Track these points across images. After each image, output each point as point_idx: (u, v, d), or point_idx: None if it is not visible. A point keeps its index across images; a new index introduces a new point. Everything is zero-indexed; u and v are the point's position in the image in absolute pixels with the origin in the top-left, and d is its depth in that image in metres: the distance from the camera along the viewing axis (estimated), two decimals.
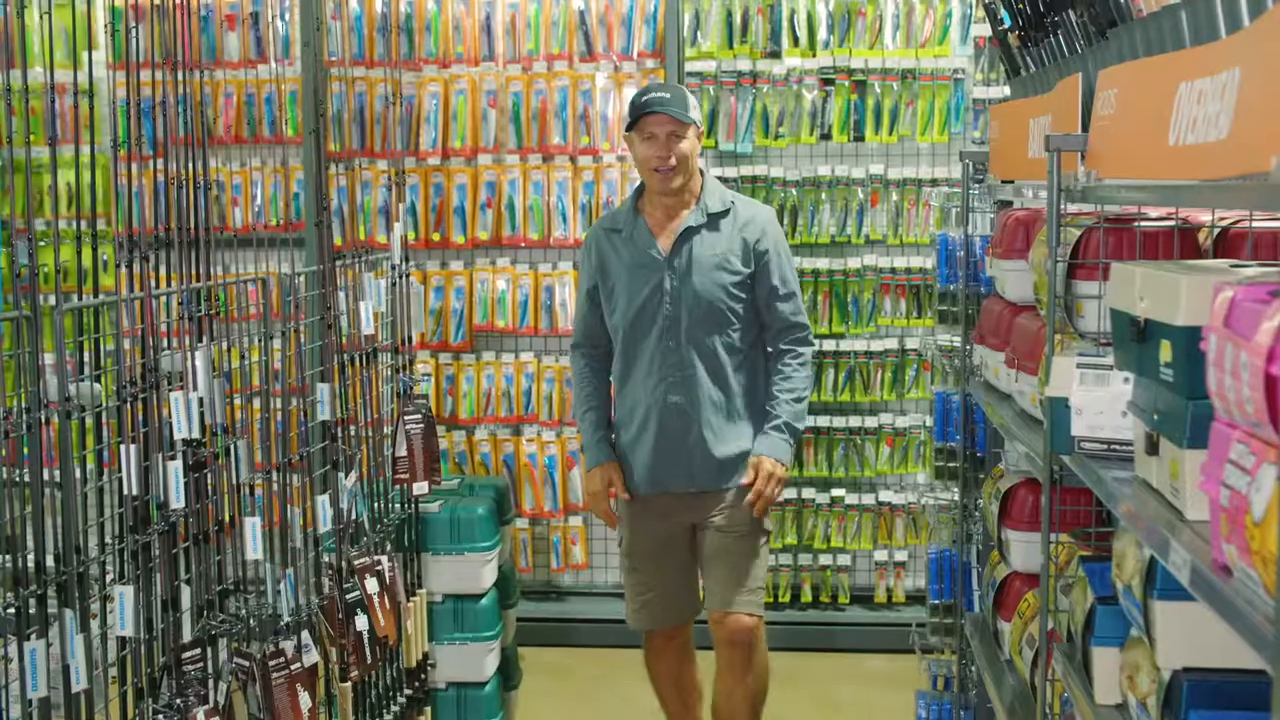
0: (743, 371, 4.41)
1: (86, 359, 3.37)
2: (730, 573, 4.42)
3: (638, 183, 4.52)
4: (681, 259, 4.34)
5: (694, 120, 4.28)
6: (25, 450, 3.01)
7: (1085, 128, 3.00)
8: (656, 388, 4.38)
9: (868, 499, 6.48)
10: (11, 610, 2.90)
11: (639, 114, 4.27)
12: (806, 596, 6.50)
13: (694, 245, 4.35)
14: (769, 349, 4.47)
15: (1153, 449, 2.40)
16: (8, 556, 2.96)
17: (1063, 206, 3.10)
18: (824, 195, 6.37)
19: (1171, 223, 3.13)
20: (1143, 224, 3.15)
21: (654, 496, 4.46)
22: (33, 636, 2.92)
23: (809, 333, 4.48)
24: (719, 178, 6.28)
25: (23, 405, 2.98)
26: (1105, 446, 2.81)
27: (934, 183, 6.35)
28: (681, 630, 4.64)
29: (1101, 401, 2.82)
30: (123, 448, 3.26)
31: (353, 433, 4.46)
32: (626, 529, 4.55)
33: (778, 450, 4.37)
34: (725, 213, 4.38)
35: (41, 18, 3.22)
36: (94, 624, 3.19)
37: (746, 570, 4.43)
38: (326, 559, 4.20)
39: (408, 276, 4.90)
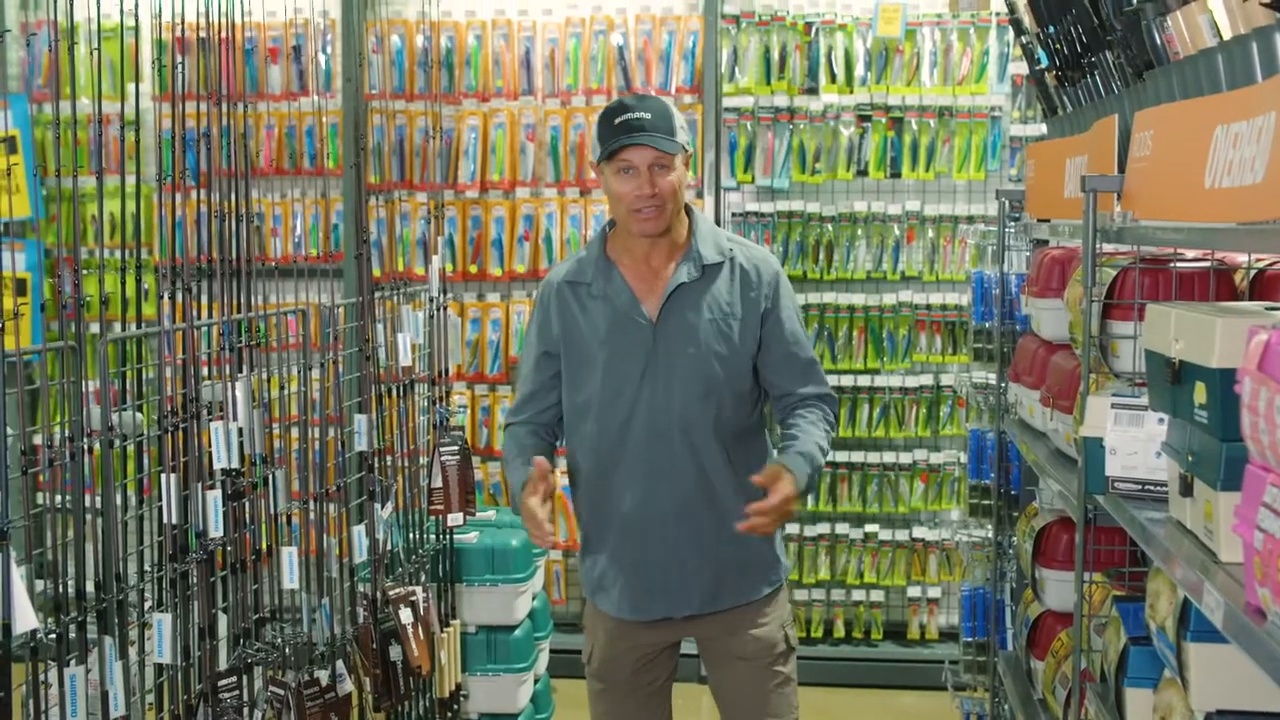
0: (750, 460, 3.51)
1: (128, 388, 3.41)
2: (764, 712, 3.63)
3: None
4: (672, 326, 3.44)
5: (682, 145, 3.39)
6: (68, 477, 3.04)
7: (1121, 169, 3.00)
8: (640, 489, 3.46)
9: (901, 535, 6.47)
10: (52, 636, 2.93)
11: (613, 146, 3.36)
12: (839, 632, 6.49)
13: (687, 308, 3.44)
14: (780, 419, 3.59)
15: (1187, 490, 2.40)
16: (49, 582, 3.00)
17: (1098, 247, 3.11)
18: (860, 231, 6.39)
19: (1207, 264, 3.14)
20: (1178, 265, 3.16)
21: (639, 622, 3.58)
22: (72, 662, 2.96)
23: (836, 405, 3.63)
24: (754, 214, 6.33)
25: (66, 433, 3.02)
26: (1139, 487, 2.82)
27: (970, 220, 6.36)
28: None
29: (1136, 442, 2.82)
30: (163, 476, 3.30)
31: (389, 463, 4.49)
32: (599, 645, 3.66)
33: (803, 474, 3.37)
34: (722, 263, 3.49)
35: (91, 53, 3.26)
36: (132, 651, 3.23)
37: (784, 704, 3.65)
38: (362, 589, 4.22)
39: (445, 308, 4.93)
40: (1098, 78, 3.46)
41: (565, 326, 3.51)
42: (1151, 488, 2.79)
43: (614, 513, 3.50)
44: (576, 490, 3.61)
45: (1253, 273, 3.16)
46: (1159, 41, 2.77)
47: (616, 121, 3.36)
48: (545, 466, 3.32)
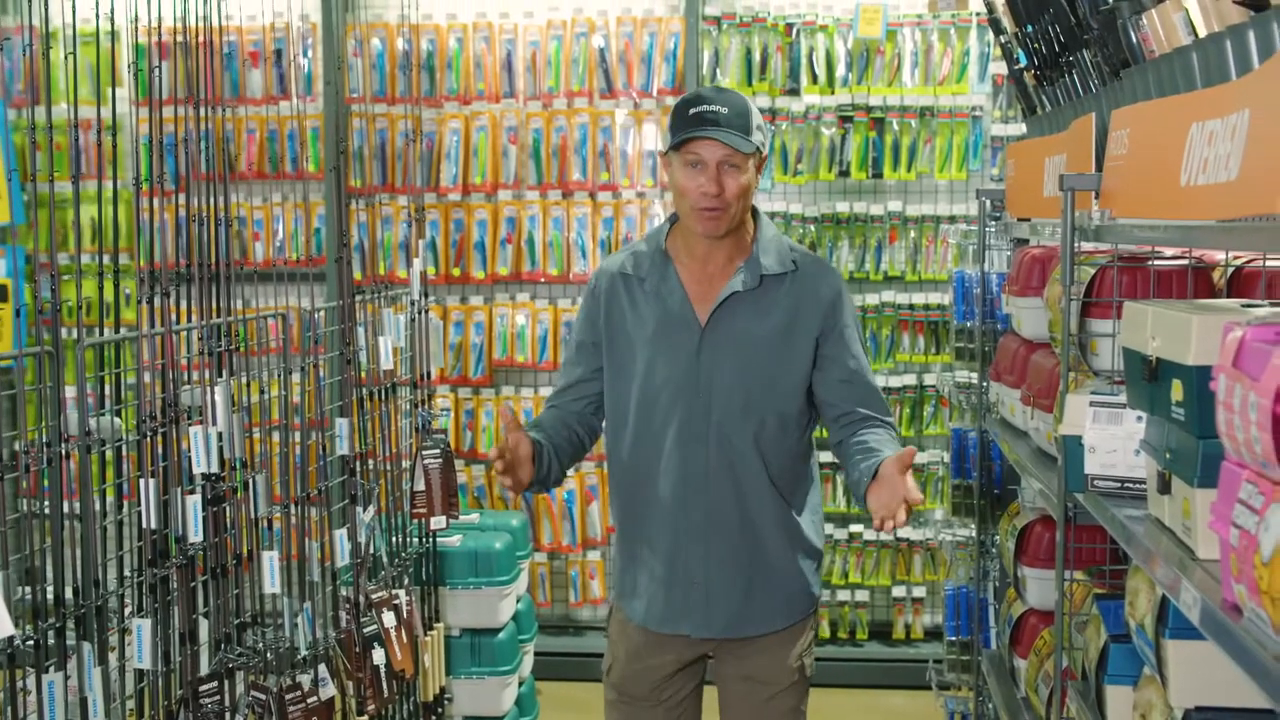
0: (793, 485, 3.40)
1: (107, 393, 3.40)
2: None
3: (659, 218, 3.72)
4: (721, 333, 3.30)
5: (757, 146, 3.22)
6: (45, 483, 3.03)
7: (1099, 167, 3.01)
8: (673, 498, 3.33)
9: (886, 535, 6.47)
10: (30, 642, 2.92)
11: (685, 135, 3.21)
12: (825, 632, 6.49)
13: (739, 317, 3.30)
14: (837, 441, 3.39)
15: (1165, 488, 2.41)
16: (28, 589, 2.98)
17: (1077, 245, 3.11)
18: (842, 232, 6.40)
19: (1185, 262, 3.14)
20: (1156, 263, 3.16)
21: (663, 635, 3.46)
22: (51, 669, 2.94)
23: (898, 434, 3.44)
24: None
25: (44, 439, 3.01)
26: (1118, 484, 2.82)
27: (952, 219, 6.37)
28: None
29: (1115, 439, 2.82)
30: (142, 481, 3.28)
31: (371, 467, 4.48)
32: (620, 655, 3.53)
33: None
34: (783, 275, 3.33)
35: (66, 57, 3.25)
36: (112, 657, 3.21)
37: None
38: (344, 593, 4.21)
39: (427, 312, 4.93)
40: (1076, 77, 3.47)
41: (612, 319, 3.39)
42: (1130, 485, 2.79)
43: (646, 520, 3.39)
44: (613, 489, 3.50)
45: (1230, 270, 3.17)
46: (1135, 40, 2.78)
47: (691, 112, 3.21)
48: (509, 419, 3.21)
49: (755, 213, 3.41)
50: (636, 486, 3.38)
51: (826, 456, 6.31)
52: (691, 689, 3.55)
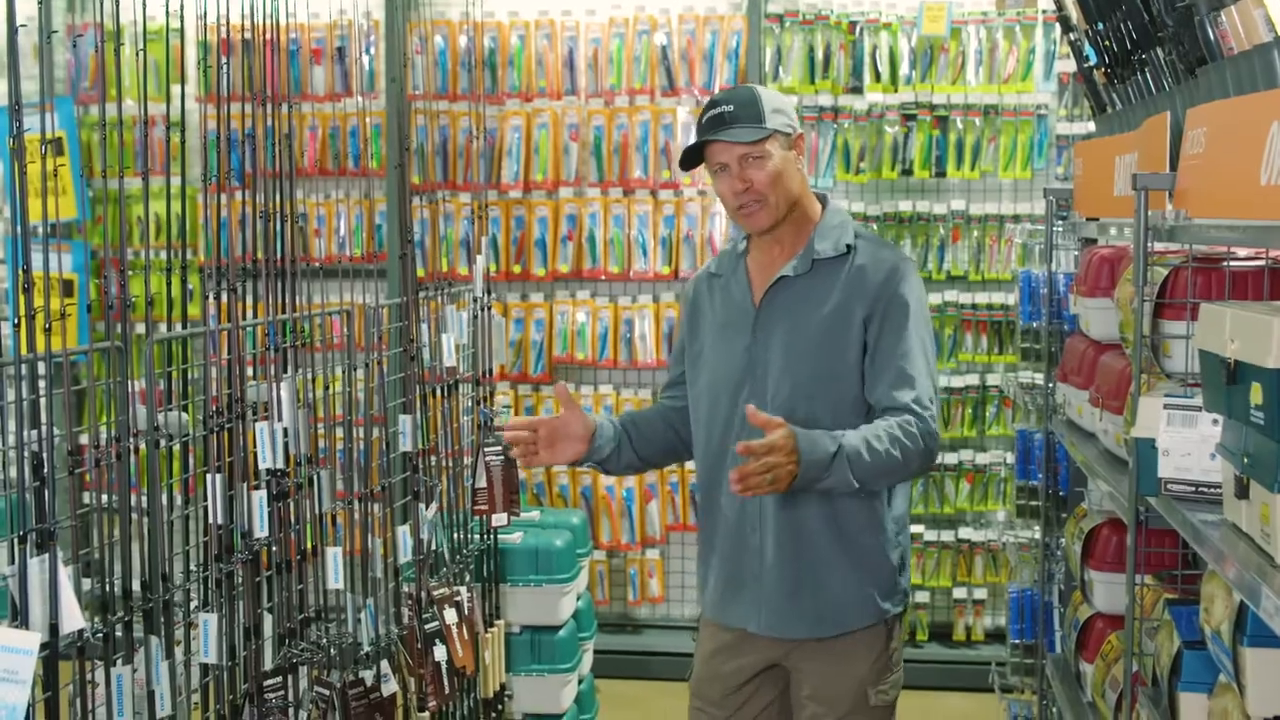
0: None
1: (174, 388, 3.41)
2: None
3: (720, 215, 3.62)
4: (773, 318, 3.24)
5: (774, 128, 3.18)
6: (113, 477, 3.05)
7: (1173, 166, 2.97)
8: (733, 494, 3.11)
9: (947, 536, 6.43)
10: (99, 635, 2.93)
11: (697, 147, 3.24)
12: None
13: (788, 303, 3.24)
14: None
15: (1242, 492, 2.37)
16: (96, 582, 3.00)
17: (1150, 245, 3.07)
18: (905, 230, 6.36)
19: (1261, 262, 3.10)
20: (1232, 264, 3.12)
21: (727, 627, 3.42)
22: (119, 662, 2.96)
23: (930, 426, 3.16)
24: None
25: (112, 433, 3.03)
26: (1193, 488, 2.78)
27: (1016, 219, 6.33)
28: None
29: (1189, 443, 2.78)
30: (208, 476, 3.30)
31: (433, 463, 4.49)
32: (699, 658, 3.51)
33: (813, 444, 2.99)
34: (839, 258, 3.26)
35: (136, 54, 3.27)
36: (178, 650, 3.23)
37: None
38: (406, 589, 4.22)
39: (489, 308, 4.93)
40: (1148, 75, 3.42)
41: (695, 317, 3.44)
42: (1205, 489, 2.74)
43: (714, 512, 3.37)
44: (697, 482, 3.52)
45: None
46: (1213, 37, 2.74)
47: (702, 120, 3.21)
48: (565, 395, 3.39)
49: (824, 201, 3.39)
50: (709, 477, 3.38)
51: None
52: (764, 707, 3.43)
